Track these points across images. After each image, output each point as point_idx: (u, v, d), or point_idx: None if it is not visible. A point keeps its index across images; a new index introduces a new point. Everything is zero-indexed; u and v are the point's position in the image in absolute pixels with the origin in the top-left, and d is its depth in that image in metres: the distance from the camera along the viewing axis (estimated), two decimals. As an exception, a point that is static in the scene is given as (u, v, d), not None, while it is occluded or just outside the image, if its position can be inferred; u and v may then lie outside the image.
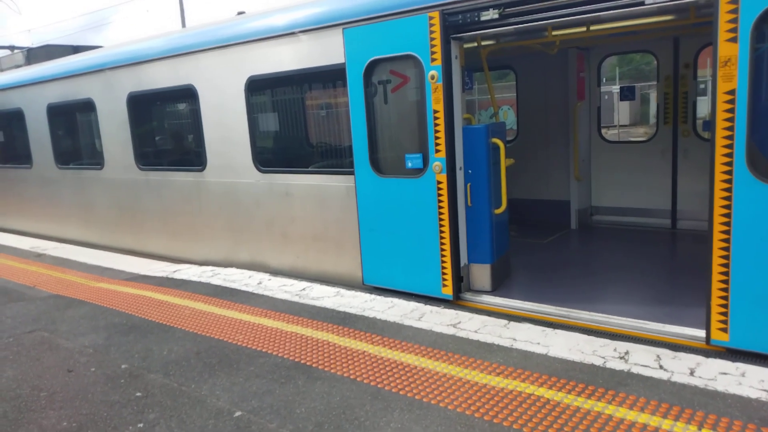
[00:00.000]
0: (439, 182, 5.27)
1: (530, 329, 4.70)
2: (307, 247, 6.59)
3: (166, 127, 8.69)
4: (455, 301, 5.46)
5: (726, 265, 4.06)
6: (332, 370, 4.20)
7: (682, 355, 4.06)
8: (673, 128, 7.62)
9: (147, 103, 8.23)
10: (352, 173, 5.95)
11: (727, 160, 3.95)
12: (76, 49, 11.15)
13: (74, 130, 9.88)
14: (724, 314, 4.11)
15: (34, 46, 13.89)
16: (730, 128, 3.91)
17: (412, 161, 5.45)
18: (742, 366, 3.84)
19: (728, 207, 4.00)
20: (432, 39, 5.07)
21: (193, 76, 7.22)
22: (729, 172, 3.96)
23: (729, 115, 3.90)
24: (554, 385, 3.77)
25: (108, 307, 6.05)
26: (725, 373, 3.76)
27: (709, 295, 4.16)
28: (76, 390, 4.19)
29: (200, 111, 7.24)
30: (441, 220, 5.32)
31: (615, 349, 4.23)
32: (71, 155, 9.88)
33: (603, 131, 8.64)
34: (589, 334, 4.53)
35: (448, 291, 5.44)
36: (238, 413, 3.69)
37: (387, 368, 4.17)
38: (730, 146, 3.93)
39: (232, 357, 4.57)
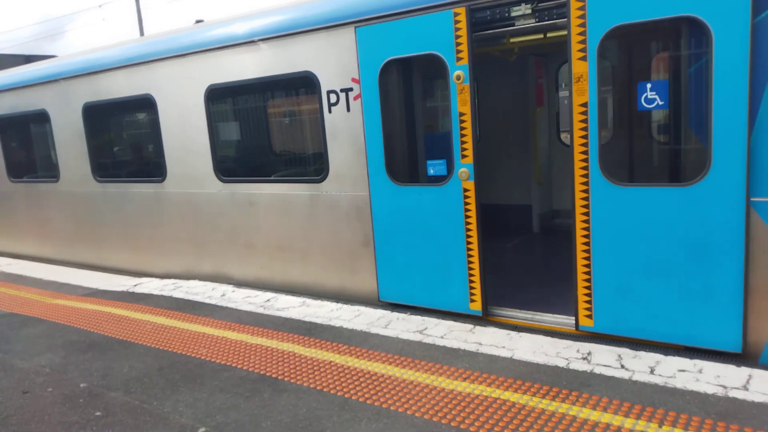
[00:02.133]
0: (465, 190, 5.02)
1: (495, 333, 4.75)
2: (276, 258, 6.52)
3: (124, 138, 8.50)
4: (485, 317, 5.16)
5: (588, 258, 4.51)
6: (298, 382, 4.16)
7: (642, 353, 4.16)
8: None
9: (104, 114, 8.04)
10: (364, 183, 5.66)
11: (584, 165, 4.41)
12: (28, 59, 10.85)
13: (27, 142, 9.57)
14: (589, 302, 4.57)
15: (-16, 55, 13.43)
16: (585, 137, 4.35)
17: (435, 168, 5.17)
18: (699, 363, 3.96)
19: (587, 207, 4.45)
20: (458, 37, 4.81)
21: (150, 86, 7.09)
22: (586, 176, 4.41)
23: (584, 125, 4.36)
24: (519, 388, 3.81)
25: (65, 325, 5.86)
26: (683, 370, 3.86)
27: (575, 287, 4.62)
28: (32, 412, 4.04)
29: (159, 121, 7.11)
30: (468, 231, 5.04)
31: (578, 350, 4.30)
32: (25, 168, 9.58)
33: (562, 136, 8.82)
34: (552, 336, 4.61)
35: (476, 306, 5.15)
36: (202, 429, 3.61)
37: (354, 378, 4.15)
38: (585, 152, 4.38)
39: (195, 372, 4.48)
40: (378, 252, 5.66)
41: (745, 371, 3.79)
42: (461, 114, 4.93)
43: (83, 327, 5.74)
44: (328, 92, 5.65)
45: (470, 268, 5.12)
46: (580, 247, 4.54)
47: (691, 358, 4.05)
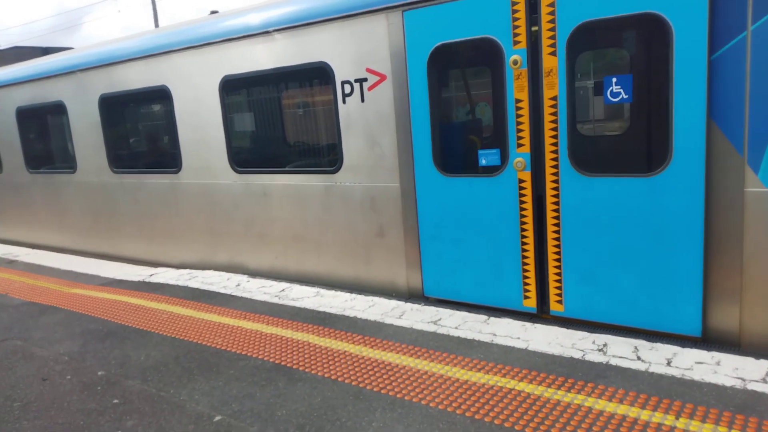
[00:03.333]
0: (521, 181, 4.77)
1: (510, 324, 4.73)
2: (291, 248, 6.54)
3: (140, 129, 8.56)
4: (540, 315, 4.96)
5: (558, 246, 4.65)
6: (313, 371, 4.18)
7: (659, 345, 4.12)
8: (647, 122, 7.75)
9: (119, 105, 8.10)
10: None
11: (554, 156, 4.51)
12: (45, 51, 10.92)
13: (45, 133, 9.68)
14: (559, 289, 4.73)
15: (2, 47, 13.59)
16: (555, 129, 4.43)
17: (487, 158, 4.92)
18: (717, 355, 3.91)
19: (557, 197, 4.57)
20: (515, 20, 4.57)
21: (166, 77, 7.12)
22: (556, 167, 4.51)
23: (554, 117, 4.46)
24: (534, 379, 3.80)
25: (83, 313, 5.94)
26: (701, 363, 3.82)
27: (546, 274, 4.78)
28: (51, 399, 4.10)
29: (174, 112, 7.15)
30: (523, 224, 4.82)
31: (594, 342, 4.27)
32: (42, 159, 9.69)
33: (579, 126, 8.71)
34: (567, 327, 4.58)
35: (530, 303, 4.94)
36: (218, 417, 3.65)
37: (368, 367, 4.16)
38: (555, 144, 4.49)
39: (211, 360, 4.52)
40: (423, 246, 5.46)
41: (764, 364, 3.74)
42: (518, 101, 4.71)
43: (100, 316, 5.82)
44: (343, 83, 5.64)
45: (524, 264, 4.90)
46: (550, 234, 4.67)
47: (709, 350, 4.01)
